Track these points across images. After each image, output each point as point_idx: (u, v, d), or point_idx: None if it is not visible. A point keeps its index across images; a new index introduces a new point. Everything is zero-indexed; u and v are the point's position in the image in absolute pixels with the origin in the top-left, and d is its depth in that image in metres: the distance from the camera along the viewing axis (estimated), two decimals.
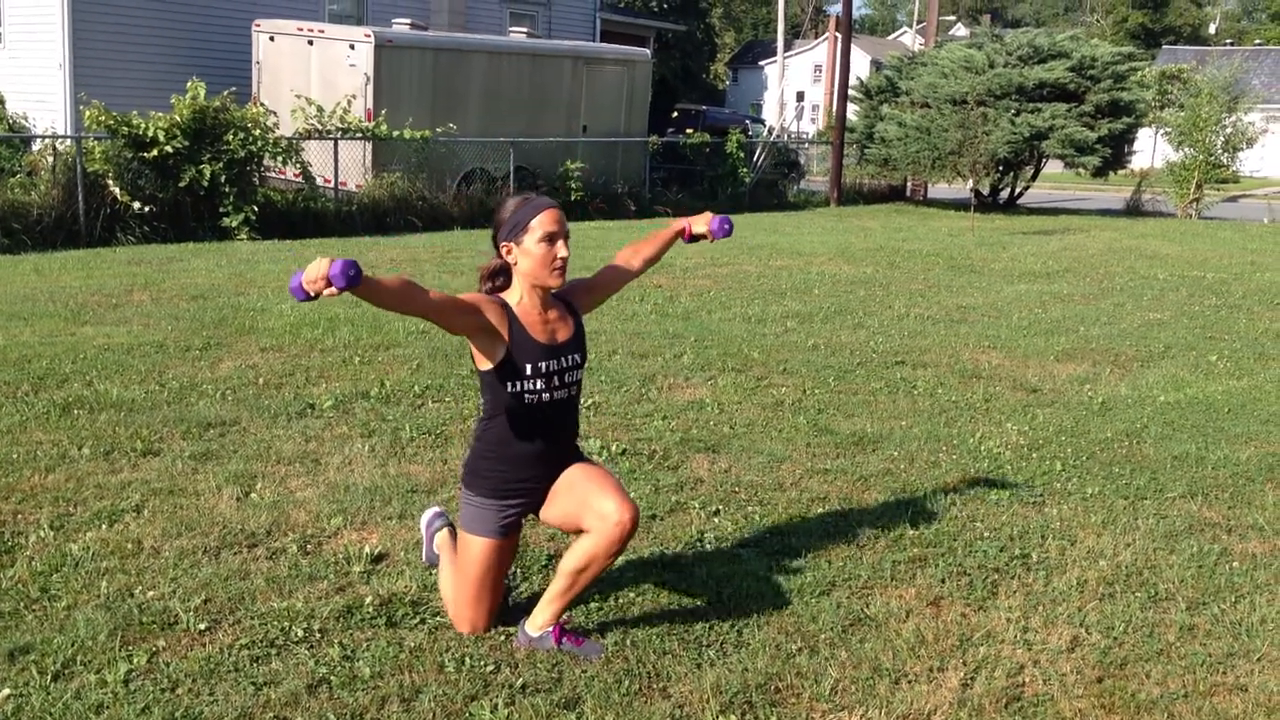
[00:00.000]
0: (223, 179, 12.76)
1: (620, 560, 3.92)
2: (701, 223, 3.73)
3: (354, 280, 2.69)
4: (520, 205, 3.22)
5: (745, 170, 20.57)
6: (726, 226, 3.73)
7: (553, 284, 3.23)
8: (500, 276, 3.30)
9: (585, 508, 3.19)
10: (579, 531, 3.23)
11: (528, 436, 3.26)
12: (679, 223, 3.76)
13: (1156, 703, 3.15)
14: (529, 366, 3.19)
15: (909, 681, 3.21)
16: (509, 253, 3.22)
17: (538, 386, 3.22)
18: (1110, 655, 3.41)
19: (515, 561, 3.85)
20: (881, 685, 3.18)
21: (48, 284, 9.21)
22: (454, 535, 3.58)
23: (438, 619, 3.45)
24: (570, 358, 3.30)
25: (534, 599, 3.42)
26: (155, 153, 12.35)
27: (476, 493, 3.32)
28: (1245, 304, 10.44)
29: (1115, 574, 4.01)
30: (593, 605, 3.58)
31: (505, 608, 3.47)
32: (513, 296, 3.26)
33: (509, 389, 3.20)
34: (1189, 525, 4.54)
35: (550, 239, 3.18)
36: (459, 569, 3.37)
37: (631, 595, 3.68)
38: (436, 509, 3.84)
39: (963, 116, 19.97)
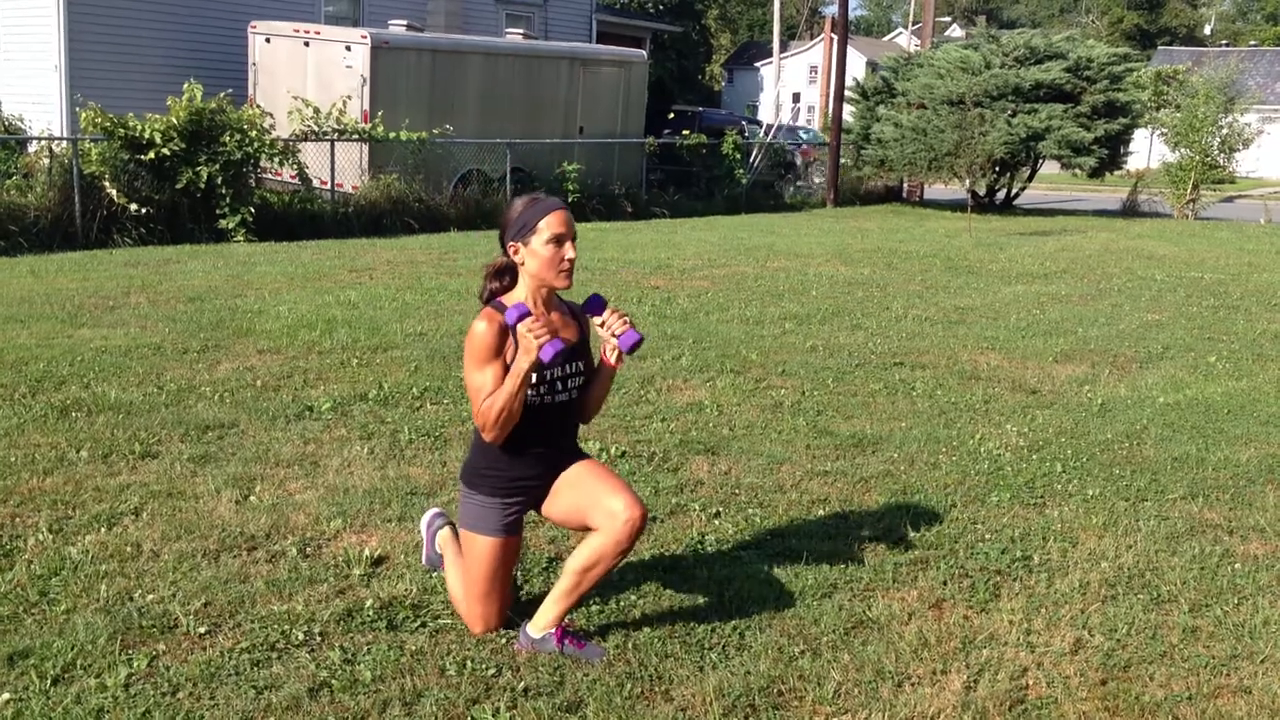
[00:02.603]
0: (219, 181, 12.73)
1: (621, 562, 3.92)
2: (610, 347, 3.30)
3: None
4: (528, 206, 3.21)
5: (741, 171, 20.57)
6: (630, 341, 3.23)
7: (560, 285, 3.22)
8: (506, 275, 3.29)
9: (594, 505, 3.19)
10: (583, 528, 3.24)
11: (528, 438, 3.25)
12: (606, 358, 3.36)
13: (1160, 705, 3.15)
14: (534, 374, 3.17)
15: (912, 684, 3.20)
16: (516, 253, 3.21)
17: (540, 391, 3.22)
18: (1114, 657, 3.41)
19: (517, 564, 3.84)
20: (884, 688, 3.17)
21: (44, 286, 9.18)
22: (455, 533, 3.57)
23: (438, 622, 3.44)
24: (574, 364, 3.29)
25: (535, 602, 3.40)
26: (152, 155, 12.33)
27: (478, 491, 3.32)
28: (1243, 305, 10.45)
29: (1117, 576, 4.00)
30: (594, 608, 3.57)
31: (513, 604, 3.46)
32: (517, 296, 3.25)
33: None
34: (1190, 527, 4.53)
35: (558, 240, 3.17)
36: (466, 569, 3.36)
37: (633, 598, 3.66)
38: (435, 510, 3.83)
39: (959, 117, 19.99)
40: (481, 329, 3.16)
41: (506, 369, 3.14)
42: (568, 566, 3.22)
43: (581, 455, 3.42)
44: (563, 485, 3.32)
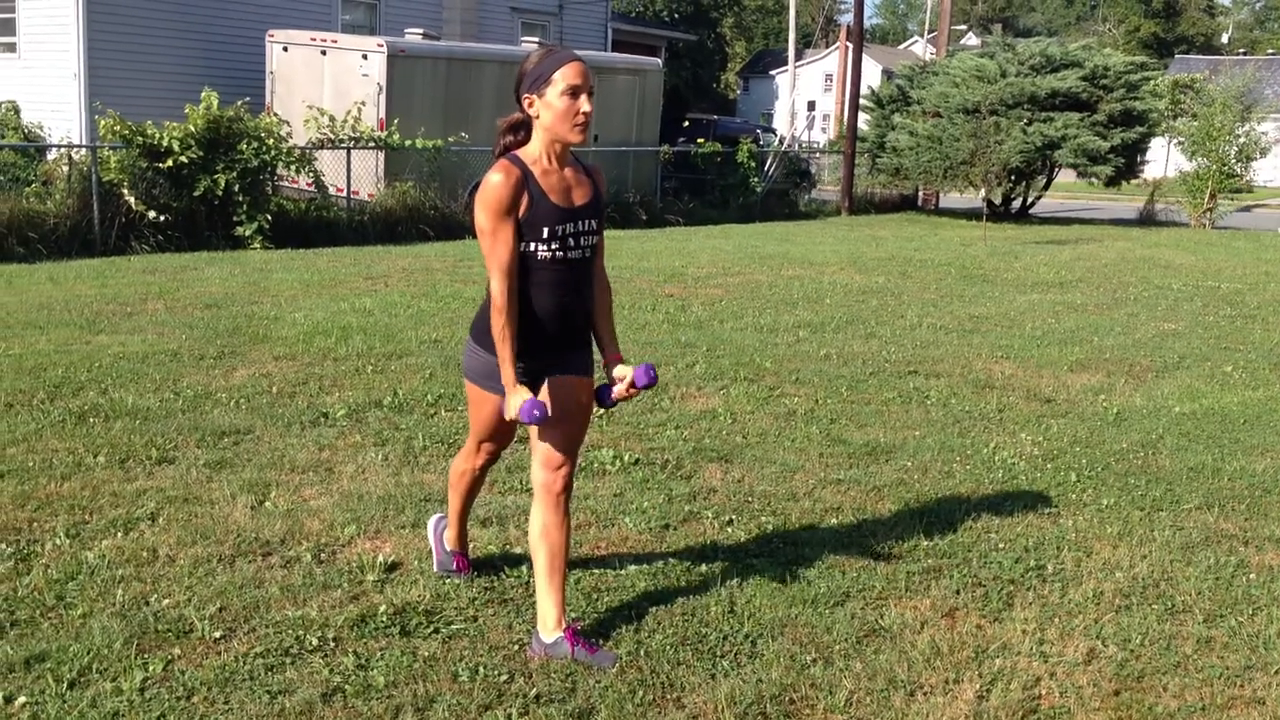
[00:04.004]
0: (236, 188, 12.81)
1: (633, 569, 3.93)
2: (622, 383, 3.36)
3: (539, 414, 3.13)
4: (544, 57, 3.14)
5: (756, 180, 20.57)
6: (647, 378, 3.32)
7: (574, 139, 3.15)
8: (521, 130, 3.22)
9: (539, 446, 3.29)
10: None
11: (541, 294, 3.20)
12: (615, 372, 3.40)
13: (1174, 716, 3.14)
14: (545, 230, 3.14)
15: (924, 693, 3.20)
16: (531, 105, 3.14)
17: (553, 247, 3.17)
18: (1127, 668, 3.39)
19: (528, 571, 3.85)
20: (897, 697, 3.17)
21: (63, 293, 9.25)
22: None
23: (451, 628, 3.45)
24: (587, 222, 3.24)
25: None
26: (170, 162, 12.42)
27: (486, 349, 3.26)
28: (1260, 314, 10.40)
29: (1132, 586, 3.99)
30: (606, 614, 3.58)
31: (521, 613, 3.47)
32: (532, 150, 3.18)
33: (523, 248, 3.16)
34: (1205, 537, 4.51)
35: (574, 92, 3.10)
36: (473, 417, 3.47)
37: (645, 604, 3.67)
38: (441, 514, 3.85)
39: (975, 126, 19.96)
40: (497, 181, 3.09)
41: (519, 228, 3.11)
42: (530, 543, 3.33)
43: (585, 368, 3.36)
44: (548, 394, 3.30)
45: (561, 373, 3.32)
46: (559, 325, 3.26)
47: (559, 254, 3.18)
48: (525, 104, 3.16)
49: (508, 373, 3.15)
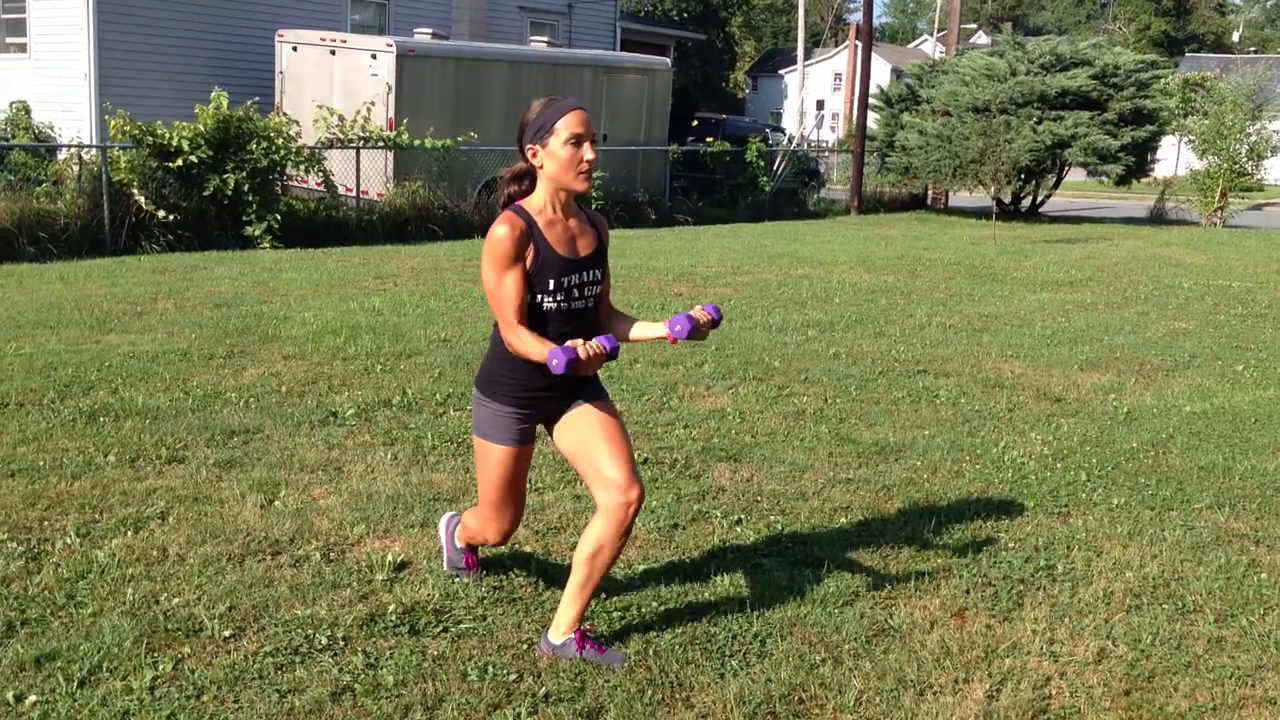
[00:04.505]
0: (246, 188, 12.83)
1: (642, 568, 3.93)
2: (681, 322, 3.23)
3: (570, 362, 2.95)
4: (546, 106, 3.16)
5: (765, 179, 20.55)
6: (686, 327, 3.19)
7: (578, 188, 3.17)
8: (525, 180, 3.24)
9: (594, 472, 3.19)
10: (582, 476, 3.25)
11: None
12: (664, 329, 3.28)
13: (1184, 716, 3.13)
14: (551, 282, 3.15)
15: (934, 693, 3.19)
16: (534, 155, 3.16)
17: (558, 299, 3.18)
18: (1138, 668, 3.38)
19: (537, 570, 3.86)
20: (906, 697, 3.16)
21: (73, 292, 9.28)
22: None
23: (460, 627, 3.45)
24: (591, 272, 3.24)
25: (555, 610, 3.41)
26: (179, 162, 12.44)
27: (493, 399, 3.28)
28: (1271, 313, 10.36)
29: (1142, 585, 3.98)
30: (615, 614, 3.58)
31: (531, 613, 3.47)
32: (536, 200, 3.20)
33: (529, 300, 3.16)
34: (1216, 536, 4.50)
35: (577, 140, 3.11)
36: (482, 477, 3.38)
37: (654, 604, 3.67)
38: (452, 513, 3.85)
39: (984, 124, 19.91)
40: (502, 233, 3.09)
41: (527, 274, 3.10)
42: (575, 559, 3.23)
43: (600, 393, 3.36)
44: (573, 423, 3.29)
45: (578, 403, 3.32)
46: (561, 379, 3.25)
47: (563, 305, 3.20)
48: (529, 154, 3.18)
49: (540, 348, 3.05)
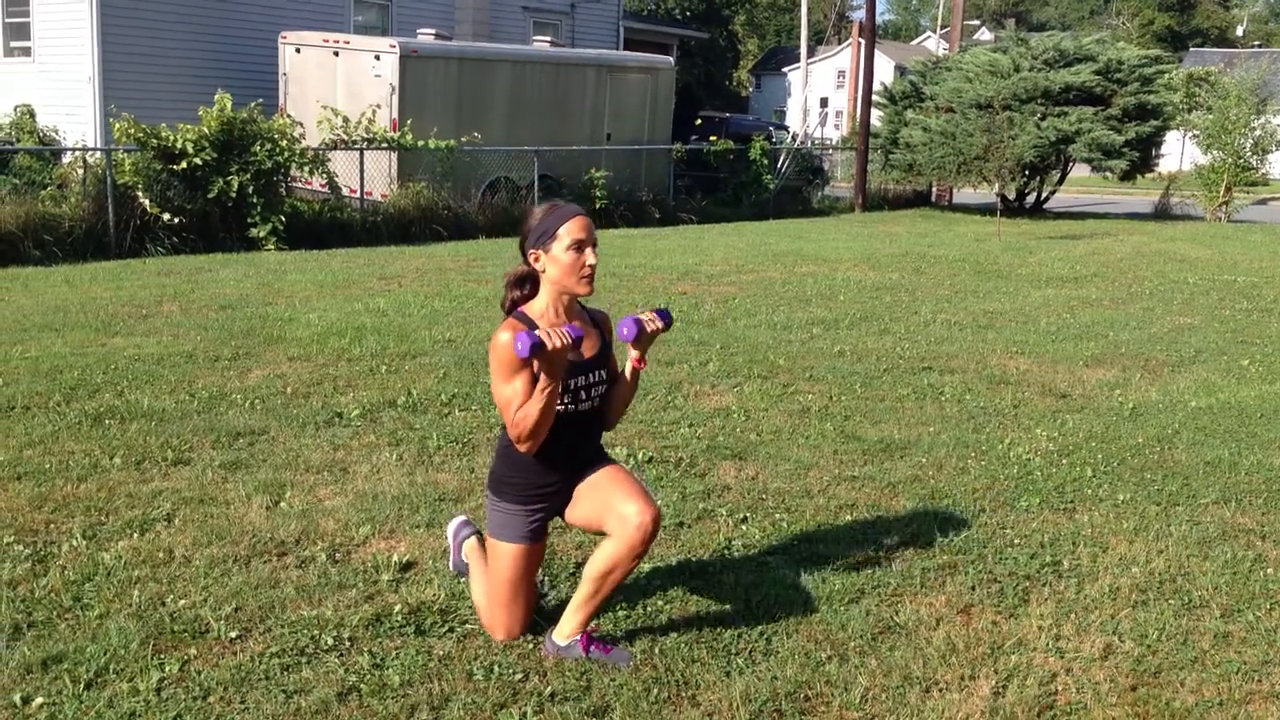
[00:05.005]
0: (250, 190, 12.86)
1: (647, 567, 3.93)
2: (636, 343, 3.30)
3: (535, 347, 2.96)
4: (548, 213, 3.22)
5: (769, 177, 20.54)
6: (632, 332, 3.25)
7: (581, 291, 3.22)
8: (527, 284, 3.29)
9: (607, 510, 3.20)
10: (602, 533, 3.24)
11: (553, 446, 3.25)
12: (632, 360, 3.35)
13: (1191, 711, 3.12)
14: (559, 388, 3.16)
15: (940, 690, 3.19)
16: (537, 260, 3.21)
17: (565, 401, 3.22)
18: (1144, 663, 3.38)
19: (543, 569, 3.85)
20: (912, 694, 3.16)
21: (79, 295, 9.30)
22: (482, 544, 3.59)
23: (466, 627, 3.46)
24: (596, 373, 3.29)
25: (561, 607, 3.41)
26: (184, 164, 12.47)
27: (503, 499, 3.33)
28: (1277, 308, 10.33)
29: (1148, 581, 3.97)
30: (620, 613, 3.58)
31: (538, 610, 3.47)
32: (538, 305, 3.25)
33: None
34: (1222, 531, 4.49)
35: (579, 246, 3.17)
36: (490, 575, 3.38)
37: (659, 603, 3.67)
38: (463, 518, 3.85)
39: (988, 121, 19.88)
40: (505, 341, 3.12)
41: (534, 378, 3.13)
42: (586, 573, 3.23)
43: (605, 459, 3.42)
44: (583, 491, 3.33)
45: (583, 477, 3.34)
46: (571, 468, 3.33)
47: (570, 407, 3.24)
48: (531, 259, 3.22)
49: (544, 385, 3.08)
